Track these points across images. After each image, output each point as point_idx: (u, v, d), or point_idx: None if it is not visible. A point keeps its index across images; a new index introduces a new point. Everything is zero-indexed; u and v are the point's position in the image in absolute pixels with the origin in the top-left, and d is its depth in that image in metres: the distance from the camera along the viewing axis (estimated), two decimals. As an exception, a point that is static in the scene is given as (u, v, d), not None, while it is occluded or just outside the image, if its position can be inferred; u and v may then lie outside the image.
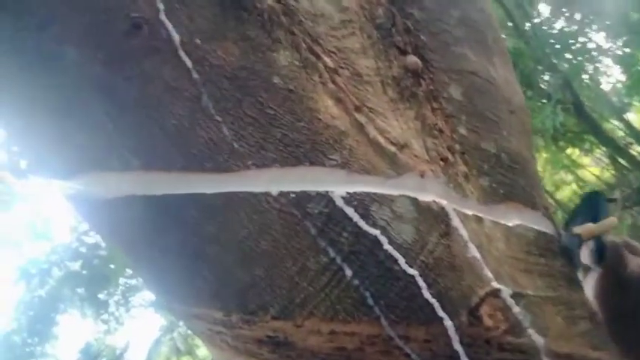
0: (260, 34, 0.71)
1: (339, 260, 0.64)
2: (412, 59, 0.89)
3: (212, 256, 0.65)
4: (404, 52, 0.90)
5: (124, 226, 0.69)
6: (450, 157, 0.81)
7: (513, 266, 0.75)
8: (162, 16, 0.66)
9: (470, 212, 0.76)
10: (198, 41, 0.67)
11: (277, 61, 0.71)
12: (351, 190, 0.67)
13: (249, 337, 0.66)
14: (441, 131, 0.84)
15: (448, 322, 0.63)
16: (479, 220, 0.76)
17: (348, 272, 0.64)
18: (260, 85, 0.68)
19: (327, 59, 0.77)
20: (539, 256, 0.79)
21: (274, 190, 0.65)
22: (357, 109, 0.75)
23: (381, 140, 0.74)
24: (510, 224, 0.80)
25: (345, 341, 0.63)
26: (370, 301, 0.63)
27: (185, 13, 0.68)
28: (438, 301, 0.64)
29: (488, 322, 0.65)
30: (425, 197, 0.70)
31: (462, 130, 0.86)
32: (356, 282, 0.64)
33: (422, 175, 0.73)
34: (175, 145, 0.65)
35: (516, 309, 0.68)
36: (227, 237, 0.64)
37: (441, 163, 0.79)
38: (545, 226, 0.85)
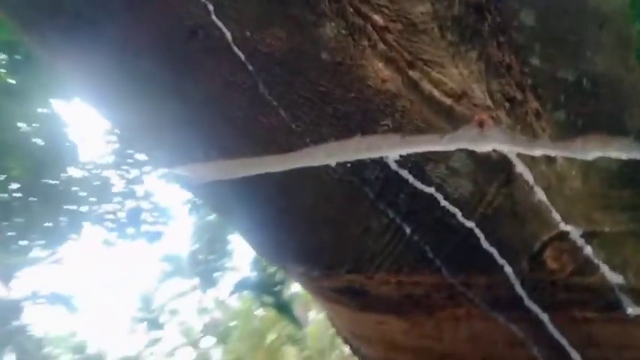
0: (304, 11, 0.74)
1: (398, 220, 0.70)
2: (472, -8, 0.84)
3: (287, 225, 0.75)
4: (466, -16, 0.85)
5: (218, 204, 0.82)
6: (518, 95, 0.78)
7: (590, 203, 0.72)
8: (214, 17, 0.73)
9: (539, 153, 0.74)
10: (248, 33, 0.73)
11: (324, 36, 0.74)
12: (405, 153, 0.70)
13: (330, 287, 0.77)
14: (508, 68, 0.80)
15: (508, 269, 0.66)
16: (550, 160, 0.74)
17: (408, 230, 0.69)
18: (309, 65, 0.73)
19: (376, 17, 0.77)
20: (623, 188, 0.75)
21: (332, 162, 0.72)
22: (410, 65, 0.76)
23: (437, 94, 0.74)
24: (590, 158, 0.76)
25: (413, 289, 0.71)
26: (430, 255, 0.69)
27: (233, 8, 0.74)
28: (497, 249, 0.67)
29: (552, 265, 0.66)
30: (483, 148, 0.71)
31: (535, 61, 0.81)
32: (416, 238, 0.69)
33: (481, 125, 0.73)
34: (242, 133, 0.74)
35: (587, 249, 0.68)
36: (296, 207, 0.74)
37: (507, 104, 0.77)
38: (637, 151, 0.79)
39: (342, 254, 0.74)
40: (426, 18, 0.81)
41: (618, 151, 0.78)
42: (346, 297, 0.77)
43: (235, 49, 0.73)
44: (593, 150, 0.77)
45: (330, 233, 0.73)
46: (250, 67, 0.73)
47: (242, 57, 0.73)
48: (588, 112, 0.79)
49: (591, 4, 0.86)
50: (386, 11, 0.78)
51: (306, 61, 0.73)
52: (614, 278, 0.67)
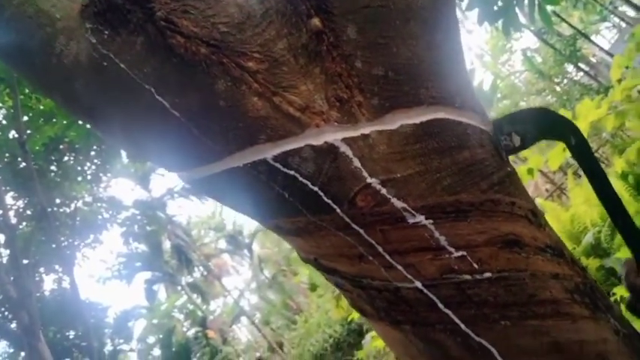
0: (205, 77, 1.24)
1: (280, 190, 1.25)
2: (311, 24, 1.25)
3: (242, 200, 1.34)
4: (309, 16, 1.26)
5: (208, 194, 1.42)
6: (346, 95, 1.22)
7: (390, 160, 1.20)
8: (157, 97, 1.26)
9: (358, 133, 1.21)
10: (177, 100, 1.26)
11: (219, 90, 1.23)
12: (275, 153, 1.22)
13: (269, 227, 1.37)
14: (340, 75, 1.23)
15: (339, 210, 1.20)
16: (365, 136, 1.21)
17: (286, 195, 1.24)
18: (216, 112, 1.24)
19: (250, 64, 1.24)
20: (415, 144, 1.20)
21: (240, 164, 1.26)
22: (274, 93, 1.23)
23: (291, 110, 1.22)
24: (394, 127, 1.21)
25: (298, 224, 1.28)
26: (299, 207, 1.24)
27: (164, 84, 1.25)
28: (331, 200, 1.20)
29: (361, 204, 1.18)
30: (319, 142, 1.20)
31: (358, 64, 1.23)
32: (291, 199, 1.24)
33: (317, 126, 1.21)
34: (194, 154, 1.30)
35: (383, 190, 1.18)
36: (239, 190, 1.31)
37: (338, 104, 1.22)
38: (428, 114, 1.21)
39: (266, 211, 1.32)
40: (284, 52, 1.26)
41: (414, 118, 1.21)
42: (276, 230, 1.36)
43: (172, 110, 1.26)
44: (397, 121, 1.21)
45: (260, 201, 1.31)
46: (183, 119, 1.26)
47: (178, 115, 1.26)
48: (393, 95, 1.21)
49: (399, 6, 1.22)
50: (257, 55, 1.24)
51: (212, 109, 1.24)
52: (399, 204, 1.17)
